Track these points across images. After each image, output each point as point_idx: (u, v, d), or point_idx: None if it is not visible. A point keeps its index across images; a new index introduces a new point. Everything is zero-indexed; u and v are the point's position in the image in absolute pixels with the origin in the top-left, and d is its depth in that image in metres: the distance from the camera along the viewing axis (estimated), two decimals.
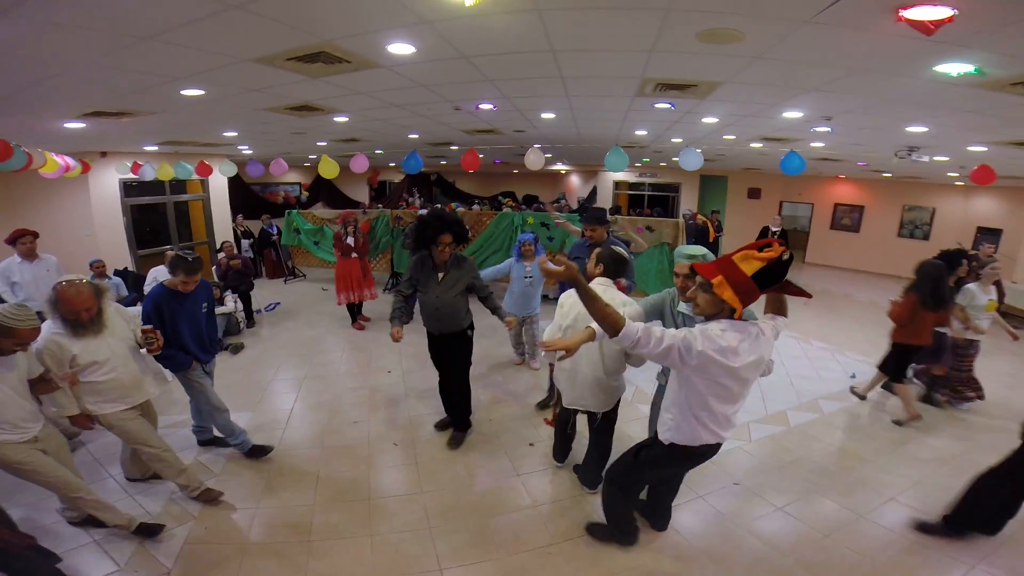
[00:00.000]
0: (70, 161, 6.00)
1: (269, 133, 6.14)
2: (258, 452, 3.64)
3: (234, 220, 10.28)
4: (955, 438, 4.10)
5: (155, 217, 9.23)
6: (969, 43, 2.25)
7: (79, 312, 2.63)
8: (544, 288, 5.36)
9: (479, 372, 5.14)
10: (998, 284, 4.82)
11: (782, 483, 3.45)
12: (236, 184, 10.93)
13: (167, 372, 4.47)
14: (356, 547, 2.80)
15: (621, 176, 16.03)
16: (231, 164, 7.71)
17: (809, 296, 2.11)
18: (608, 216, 4.30)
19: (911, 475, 3.55)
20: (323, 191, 15.24)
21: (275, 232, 10.23)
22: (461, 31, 2.51)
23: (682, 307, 2.62)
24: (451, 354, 3.78)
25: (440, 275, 3.60)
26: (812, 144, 6.26)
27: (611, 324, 1.94)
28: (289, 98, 4.03)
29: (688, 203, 14.86)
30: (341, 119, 5.19)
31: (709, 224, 9.80)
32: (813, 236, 13.57)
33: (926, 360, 4.71)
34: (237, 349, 5.90)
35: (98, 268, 5.79)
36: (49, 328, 2.62)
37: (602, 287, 2.93)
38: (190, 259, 3.21)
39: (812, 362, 5.78)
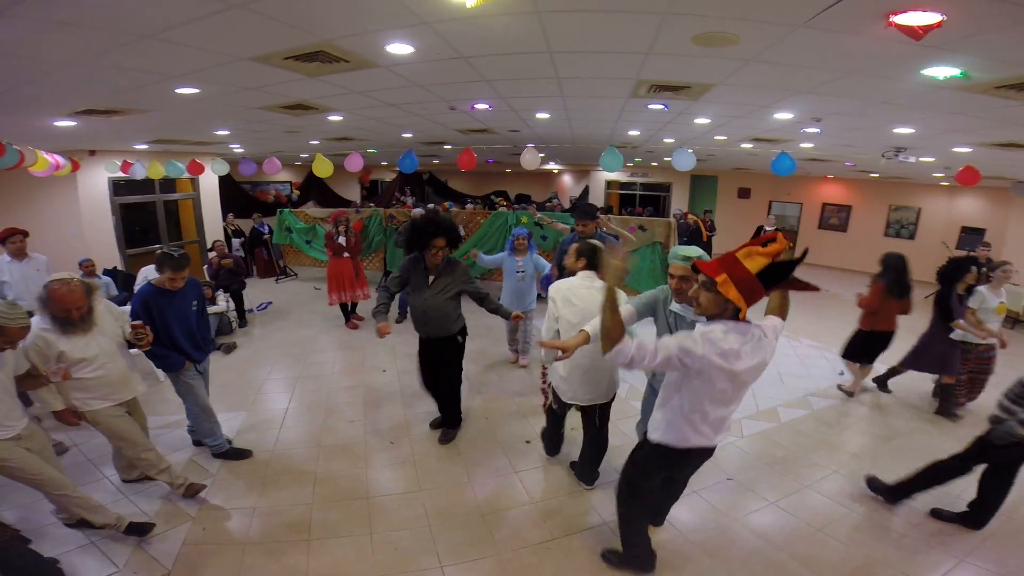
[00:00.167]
0: (60, 159, 5.92)
1: (262, 132, 6.10)
2: (234, 455, 3.63)
3: (224, 219, 10.20)
4: (944, 434, 4.20)
5: (144, 216, 9.12)
6: (955, 47, 2.32)
7: (70, 310, 2.62)
8: (539, 288, 5.40)
9: (474, 370, 5.16)
10: None
11: (774, 478, 3.51)
12: (226, 183, 10.83)
13: (159, 372, 4.45)
14: (356, 545, 2.81)
15: (613, 176, 16.13)
16: (223, 163, 7.65)
17: (816, 289, 1.94)
18: (598, 213, 4.37)
19: (898, 470, 3.61)
20: (314, 190, 15.14)
21: (266, 231, 10.16)
22: (460, 32, 2.52)
23: (675, 307, 2.62)
24: (440, 358, 3.75)
25: (431, 278, 3.56)
26: (802, 145, 6.36)
27: (611, 340, 1.88)
28: (284, 97, 4.02)
29: (679, 203, 15.00)
30: (335, 118, 5.18)
31: (701, 224, 9.88)
32: (801, 236, 13.73)
33: (935, 369, 4.56)
34: (230, 349, 5.87)
35: (87, 267, 5.72)
36: (36, 324, 2.60)
37: (588, 280, 2.98)
38: (176, 255, 3.19)
39: (802, 359, 5.88)
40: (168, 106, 4.14)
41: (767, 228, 9.66)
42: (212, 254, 7.01)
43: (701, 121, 5.10)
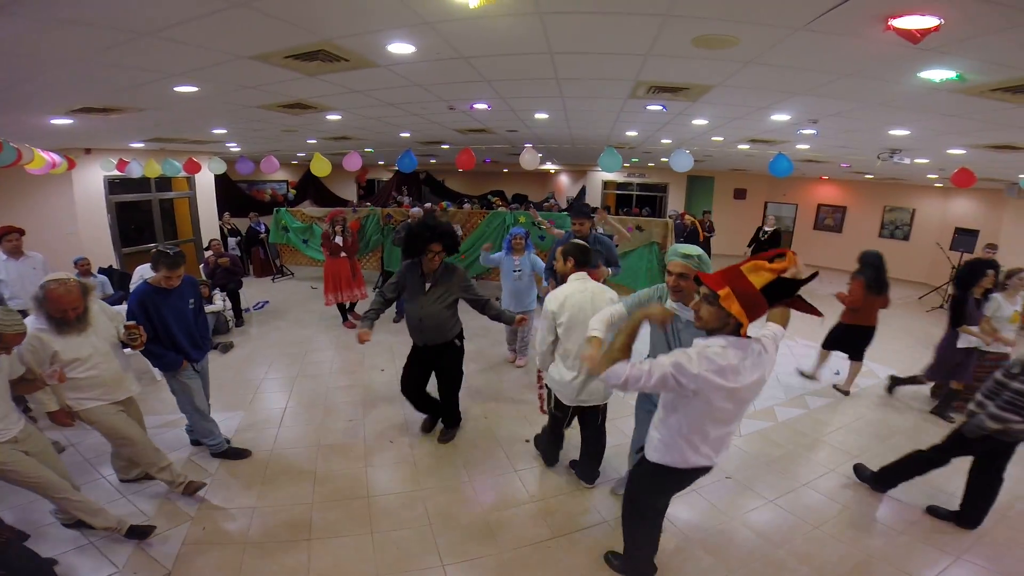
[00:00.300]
0: (56, 158, 5.88)
1: (260, 130, 6.09)
2: (233, 455, 3.62)
3: (221, 218, 10.15)
4: (940, 434, 4.21)
5: (140, 215, 9.08)
6: (952, 50, 2.34)
7: (66, 311, 2.61)
8: (540, 290, 5.41)
9: (473, 370, 5.16)
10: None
11: (772, 477, 3.54)
12: (222, 182, 10.82)
13: (156, 371, 4.43)
14: (357, 545, 2.81)
15: (610, 176, 16.16)
16: (220, 161, 7.62)
17: (820, 315, 1.90)
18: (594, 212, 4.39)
19: None
20: (311, 189, 15.13)
21: (263, 230, 10.13)
22: (462, 32, 2.53)
23: (671, 305, 2.61)
24: (438, 364, 3.69)
25: (428, 285, 3.49)
26: (798, 146, 6.40)
27: (609, 361, 1.88)
28: (283, 96, 4.01)
29: (675, 203, 15.05)
30: (334, 117, 5.17)
31: (698, 225, 9.90)
32: (797, 236, 13.81)
33: (949, 375, 4.50)
34: (227, 348, 5.85)
35: (83, 266, 5.69)
36: (31, 324, 2.59)
37: (580, 281, 2.98)
38: (171, 253, 3.17)
39: (798, 359, 5.90)
40: (166, 104, 4.13)
41: (766, 228, 9.70)
42: (208, 253, 6.98)
43: (699, 122, 5.12)
